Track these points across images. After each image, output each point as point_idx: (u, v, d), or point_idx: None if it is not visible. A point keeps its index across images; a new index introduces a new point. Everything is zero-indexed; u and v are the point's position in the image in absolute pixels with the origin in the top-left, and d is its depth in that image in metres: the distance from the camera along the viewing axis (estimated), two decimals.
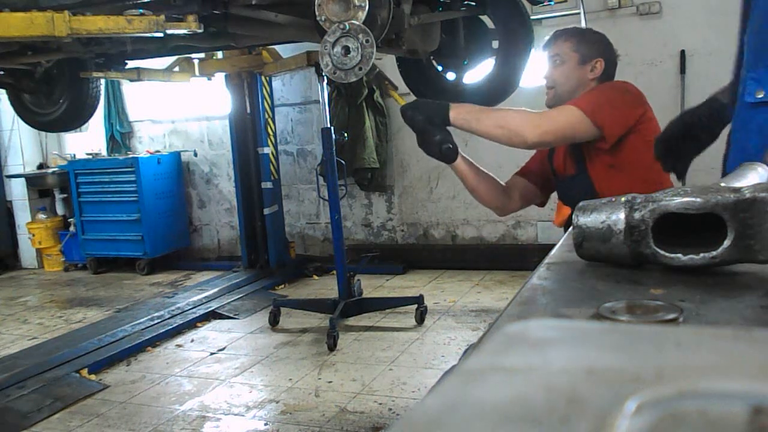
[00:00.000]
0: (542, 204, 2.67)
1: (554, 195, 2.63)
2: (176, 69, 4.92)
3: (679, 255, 0.73)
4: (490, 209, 2.58)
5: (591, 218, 0.78)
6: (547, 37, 2.51)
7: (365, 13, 2.44)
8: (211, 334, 4.74)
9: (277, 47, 5.15)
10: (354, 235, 6.51)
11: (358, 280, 4.74)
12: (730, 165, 1.66)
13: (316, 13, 2.48)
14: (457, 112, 2.20)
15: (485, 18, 3.50)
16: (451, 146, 2.20)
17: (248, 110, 6.03)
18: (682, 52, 5.19)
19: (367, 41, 2.42)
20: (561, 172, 2.44)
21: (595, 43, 2.38)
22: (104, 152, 7.38)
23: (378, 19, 2.55)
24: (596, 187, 2.26)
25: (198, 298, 5.30)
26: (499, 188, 2.52)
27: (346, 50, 2.44)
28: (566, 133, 2.19)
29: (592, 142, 2.22)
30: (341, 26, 2.42)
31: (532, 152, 2.62)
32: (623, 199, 0.77)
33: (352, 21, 2.43)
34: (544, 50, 2.45)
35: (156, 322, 4.79)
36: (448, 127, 2.22)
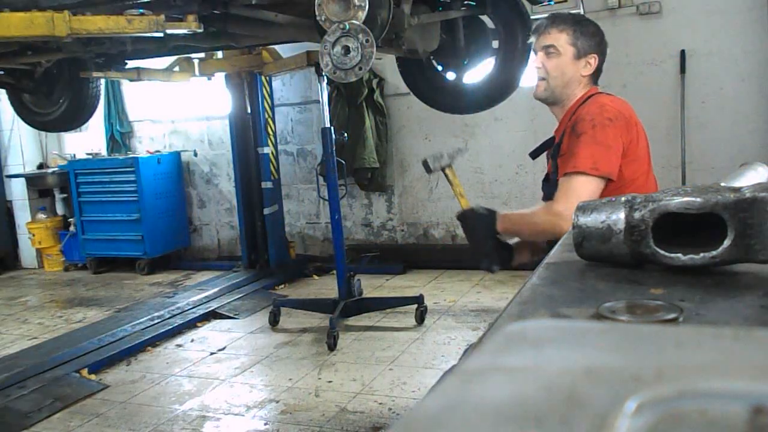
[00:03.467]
0: None
1: None
2: (176, 69, 4.92)
3: (679, 255, 0.73)
4: (558, 235, 2.50)
5: (591, 218, 0.78)
6: (540, 17, 2.41)
7: (365, 13, 2.44)
8: (211, 334, 4.74)
9: (277, 47, 5.15)
10: (354, 235, 6.51)
11: (358, 280, 4.74)
12: None
13: (316, 13, 2.48)
14: (502, 223, 2.28)
15: (485, 18, 3.50)
16: (497, 268, 2.31)
17: (248, 110, 6.03)
18: (682, 52, 5.19)
19: (367, 41, 2.42)
20: (550, 176, 2.42)
21: (592, 37, 2.31)
22: (104, 152, 7.38)
23: (378, 19, 2.55)
24: None
25: (198, 298, 5.30)
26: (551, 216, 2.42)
27: (346, 50, 2.44)
28: (589, 196, 2.12)
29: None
30: (341, 26, 2.42)
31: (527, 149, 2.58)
32: (623, 198, 0.77)
33: (352, 21, 2.43)
34: (536, 35, 2.36)
35: (156, 322, 4.78)
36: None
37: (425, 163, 2.44)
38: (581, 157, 2.17)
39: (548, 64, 2.30)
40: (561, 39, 2.28)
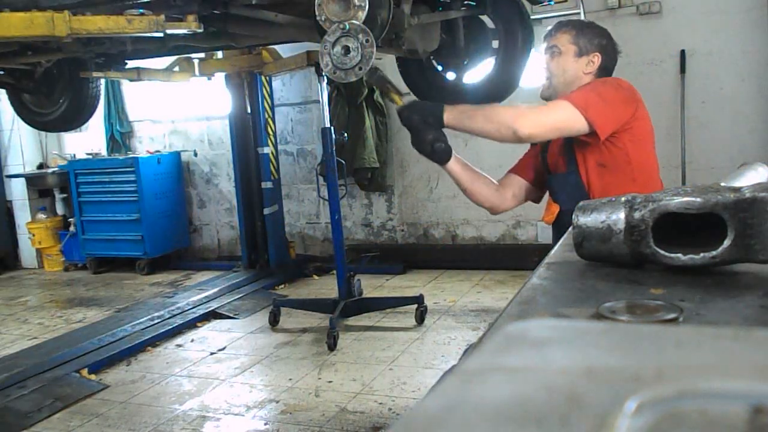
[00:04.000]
0: (538, 200, 2.65)
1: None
2: (176, 69, 4.92)
3: (679, 255, 0.73)
4: (483, 208, 2.59)
5: (591, 218, 0.78)
6: (548, 28, 2.52)
7: (365, 13, 2.44)
8: (211, 334, 4.74)
9: (277, 47, 5.14)
10: (354, 235, 6.51)
11: (358, 280, 4.74)
12: None
13: (316, 13, 2.48)
14: (450, 112, 2.22)
15: (485, 18, 3.50)
16: (443, 145, 2.24)
17: (248, 110, 6.03)
18: (682, 52, 5.19)
19: (367, 41, 2.42)
20: (553, 169, 2.44)
21: (594, 37, 2.36)
22: (104, 152, 7.38)
23: (378, 19, 2.55)
24: (586, 185, 2.27)
25: (198, 298, 5.30)
26: (492, 187, 2.52)
27: (346, 50, 2.44)
28: (558, 127, 2.18)
29: (584, 139, 2.22)
30: (341, 26, 2.42)
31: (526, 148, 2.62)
32: (623, 198, 0.77)
33: (352, 21, 2.43)
34: (544, 41, 2.44)
35: (156, 322, 4.78)
36: (445, 130, 2.24)
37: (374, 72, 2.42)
38: (576, 94, 2.20)
39: (551, 64, 2.37)
40: (563, 39, 2.36)
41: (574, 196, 2.03)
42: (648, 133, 2.31)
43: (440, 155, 2.26)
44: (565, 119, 2.15)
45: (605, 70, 2.39)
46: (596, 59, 2.34)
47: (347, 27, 2.42)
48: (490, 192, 2.50)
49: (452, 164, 2.35)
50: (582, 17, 5.07)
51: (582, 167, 2.29)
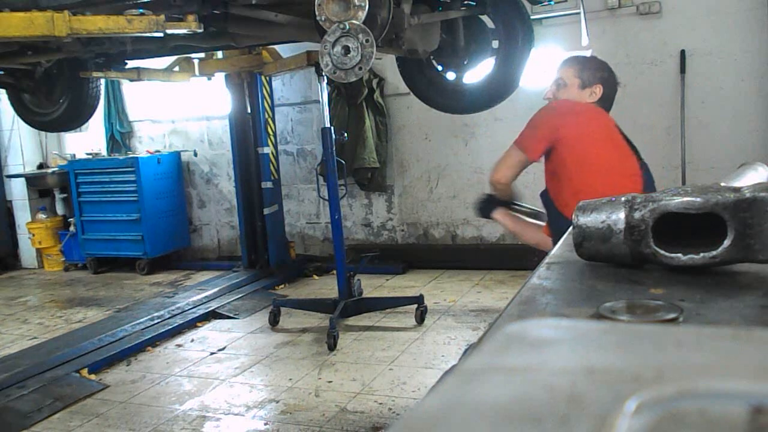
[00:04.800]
0: None
1: None
2: (176, 69, 4.92)
3: (679, 255, 0.73)
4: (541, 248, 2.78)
5: (591, 218, 0.78)
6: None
7: (365, 12, 2.44)
8: (211, 334, 4.74)
9: (277, 47, 5.15)
10: (354, 235, 6.51)
11: (358, 279, 4.74)
12: None
13: (316, 13, 2.48)
14: (502, 216, 2.82)
15: (485, 18, 3.50)
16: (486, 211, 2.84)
17: (248, 110, 6.03)
18: (682, 52, 5.19)
19: (367, 41, 2.42)
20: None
21: (596, 71, 2.66)
22: (104, 152, 7.38)
23: (378, 19, 2.55)
24: (549, 193, 2.63)
25: (198, 298, 5.30)
26: (536, 226, 2.80)
27: (346, 50, 2.44)
28: (511, 165, 2.65)
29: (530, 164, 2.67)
30: (341, 26, 2.42)
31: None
32: (623, 198, 0.77)
33: (352, 21, 2.43)
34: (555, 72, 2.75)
35: (156, 322, 4.78)
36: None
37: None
38: (519, 136, 2.64)
39: (558, 94, 2.69)
40: (568, 73, 2.68)
41: (546, 202, 2.63)
42: (582, 137, 2.57)
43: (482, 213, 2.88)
44: (512, 158, 2.63)
45: (608, 98, 2.69)
46: (598, 90, 2.65)
47: (347, 27, 2.42)
48: (537, 233, 2.77)
49: (498, 216, 2.80)
50: (582, 17, 5.07)
51: (546, 180, 2.66)
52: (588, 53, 3.95)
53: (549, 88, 2.73)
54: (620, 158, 2.60)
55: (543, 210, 2.73)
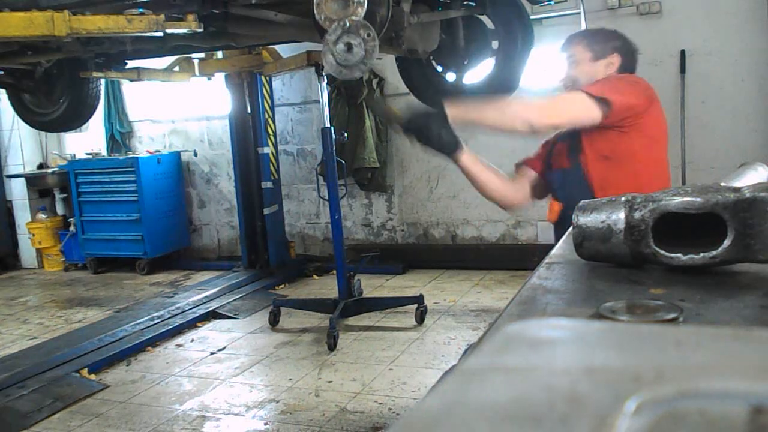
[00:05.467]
0: (542, 196, 2.58)
1: None
2: (176, 69, 4.92)
3: (679, 255, 0.73)
4: (498, 205, 2.53)
5: (591, 218, 0.78)
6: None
7: (364, 8, 2.43)
8: (211, 333, 4.74)
9: (277, 47, 5.15)
10: (354, 235, 6.51)
11: (358, 279, 4.73)
12: None
13: (315, 13, 2.48)
14: (454, 106, 2.22)
15: (485, 18, 3.50)
16: (451, 134, 2.19)
17: (248, 110, 6.03)
18: (682, 52, 5.19)
19: (368, 35, 2.41)
20: (555, 165, 2.42)
21: (608, 41, 2.39)
22: (104, 152, 7.38)
23: (377, 17, 2.55)
24: (589, 178, 2.24)
25: (198, 298, 5.30)
26: (506, 180, 2.47)
27: (349, 47, 2.43)
28: (573, 117, 2.19)
29: (592, 130, 2.21)
30: (341, 23, 2.42)
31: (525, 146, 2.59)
32: (623, 198, 0.77)
33: (352, 17, 2.42)
34: (561, 51, 2.46)
35: (156, 321, 4.78)
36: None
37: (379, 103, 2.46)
38: (591, 85, 2.21)
39: (571, 72, 2.38)
40: (578, 48, 2.39)
41: (576, 191, 2.04)
42: (659, 134, 2.31)
43: (450, 145, 2.22)
44: (580, 110, 2.15)
45: (628, 68, 2.40)
46: (615, 60, 2.36)
47: (347, 24, 2.41)
48: (504, 185, 2.43)
49: (463, 156, 2.30)
50: (582, 17, 5.08)
51: (586, 160, 2.26)
52: None
53: (563, 78, 2.42)
54: (667, 165, 2.34)
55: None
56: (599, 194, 1.94)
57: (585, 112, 2.14)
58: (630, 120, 2.19)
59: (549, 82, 5.24)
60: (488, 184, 2.39)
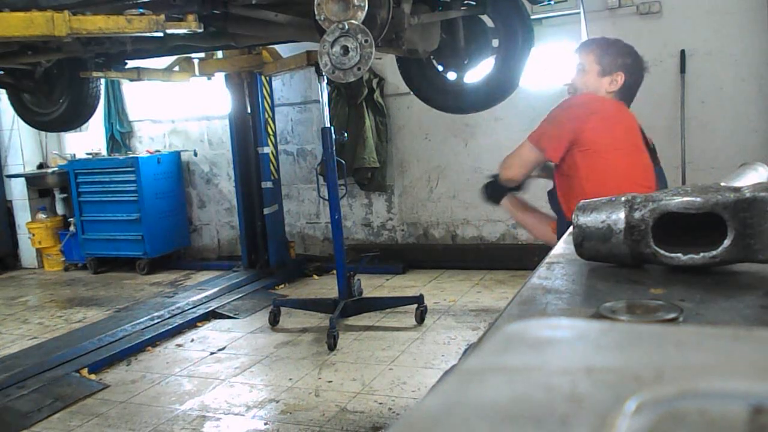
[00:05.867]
0: None
1: None
2: (176, 69, 4.92)
3: (679, 255, 0.73)
4: (546, 242, 2.72)
5: (591, 218, 0.78)
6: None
7: (364, 13, 2.44)
8: (211, 333, 4.74)
9: (277, 47, 5.15)
10: (354, 234, 6.51)
11: (358, 279, 4.73)
12: None
13: (316, 13, 2.48)
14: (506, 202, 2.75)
15: (485, 17, 3.50)
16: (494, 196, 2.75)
17: (248, 110, 6.03)
18: (682, 52, 5.19)
19: (366, 41, 2.42)
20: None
21: (618, 57, 2.54)
22: (104, 152, 7.38)
23: (377, 19, 2.55)
24: (558, 193, 2.55)
25: (198, 298, 5.30)
26: (544, 218, 2.73)
27: (345, 50, 2.44)
28: (524, 163, 2.56)
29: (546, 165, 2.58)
30: (340, 26, 2.42)
31: None
32: (623, 198, 0.77)
33: (351, 21, 2.42)
34: (574, 53, 2.64)
35: (156, 321, 4.78)
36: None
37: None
38: (535, 131, 2.54)
39: (576, 80, 2.57)
40: (589, 58, 2.55)
41: (554, 203, 2.55)
42: (601, 145, 2.44)
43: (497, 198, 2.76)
44: (527, 156, 2.54)
45: (629, 88, 2.57)
46: (619, 78, 2.52)
47: (346, 27, 2.41)
48: (543, 225, 2.70)
49: (508, 203, 2.72)
50: (582, 17, 5.07)
51: (556, 180, 2.58)
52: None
53: (570, 81, 2.64)
54: (637, 168, 2.48)
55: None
56: (564, 206, 2.47)
57: (531, 157, 2.53)
58: (571, 144, 2.45)
59: (549, 82, 5.25)
60: (532, 228, 2.76)
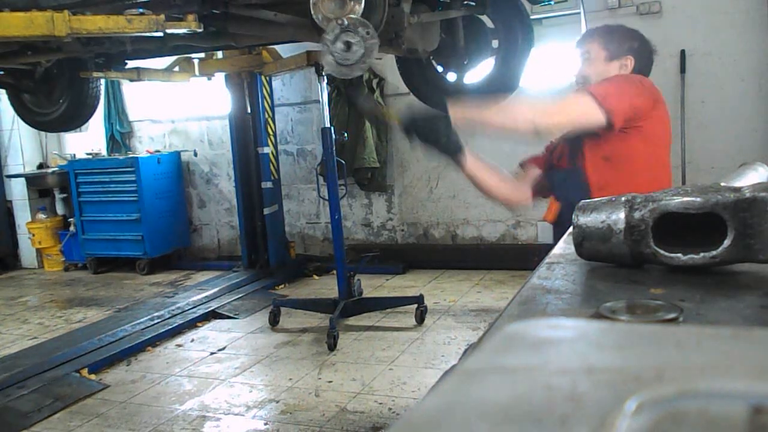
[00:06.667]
0: (546, 195, 2.59)
1: None
2: (176, 69, 4.92)
3: (679, 255, 0.73)
4: (504, 204, 2.53)
5: (591, 218, 0.78)
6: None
7: (362, 6, 2.42)
8: (211, 333, 4.74)
9: (277, 47, 5.15)
10: (354, 234, 6.51)
11: (358, 279, 4.73)
12: None
13: (312, 12, 2.47)
14: (455, 106, 2.20)
15: (485, 17, 3.50)
16: (454, 136, 2.17)
17: (248, 110, 6.03)
18: (682, 52, 5.19)
19: (368, 33, 2.40)
20: (556, 164, 2.40)
21: (625, 41, 2.36)
22: (104, 152, 7.38)
23: (376, 11, 2.54)
24: (588, 179, 2.22)
25: (198, 298, 5.30)
26: (509, 181, 2.46)
27: (348, 45, 2.42)
28: (577, 119, 2.16)
29: (597, 131, 2.18)
30: (339, 22, 2.41)
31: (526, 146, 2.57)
32: (623, 198, 0.77)
33: (350, 15, 2.41)
34: (576, 47, 2.43)
35: (156, 321, 4.78)
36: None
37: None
38: (595, 86, 2.19)
39: (584, 69, 2.36)
40: (594, 45, 2.35)
41: (574, 192, 2.04)
42: (661, 135, 2.29)
43: (452, 147, 2.20)
44: (584, 112, 2.12)
45: (642, 72, 2.37)
46: (629, 62, 2.33)
47: (346, 22, 2.40)
48: (506, 185, 2.42)
49: (466, 157, 2.27)
50: (582, 17, 5.07)
51: (585, 160, 2.24)
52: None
53: (576, 90, 2.37)
54: (669, 168, 2.34)
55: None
56: (596, 195, 1.95)
57: (589, 115, 2.12)
58: (632, 122, 2.16)
59: (549, 81, 5.25)
60: (491, 184, 2.37)
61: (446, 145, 2.17)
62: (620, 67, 2.32)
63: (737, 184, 0.88)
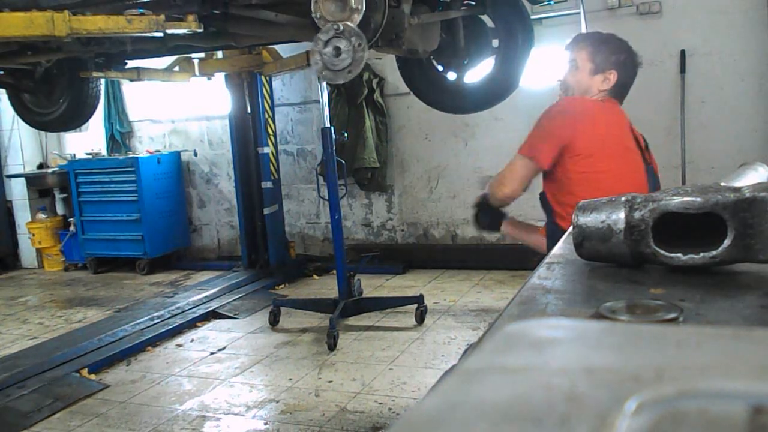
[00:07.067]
0: None
1: None
2: (176, 69, 4.92)
3: (679, 255, 0.73)
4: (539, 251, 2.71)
5: (591, 218, 0.78)
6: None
7: (361, 15, 2.43)
8: (211, 333, 4.74)
9: (277, 47, 5.15)
10: (354, 234, 6.51)
11: (358, 279, 4.73)
12: None
13: (312, 10, 2.47)
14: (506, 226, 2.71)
15: (485, 17, 3.50)
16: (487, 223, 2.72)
17: (248, 110, 6.03)
18: (682, 52, 5.19)
19: (359, 45, 2.41)
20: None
21: (612, 54, 2.46)
22: (104, 152, 7.38)
23: (372, 23, 2.55)
24: (550, 201, 2.52)
25: (198, 298, 5.30)
26: (535, 228, 2.70)
27: (337, 51, 2.43)
28: (520, 177, 2.49)
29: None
30: (335, 26, 2.42)
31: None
32: (623, 198, 0.77)
33: (347, 23, 2.42)
34: (565, 50, 2.56)
35: (156, 321, 4.78)
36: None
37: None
38: (524, 143, 2.49)
39: (568, 77, 2.50)
40: (581, 54, 2.47)
41: (548, 214, 2.51)
42: (592, 148, 2.40)
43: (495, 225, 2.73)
44: (520, 169, 2.47)
45: (622, 86, 2.50)
46: (612, 77, 2.45)
47: (341, 28, 2.41)
48: (535, 235, 2.68)
49: (507, 228, 2.70)
50: (582, 17, 5.07)
51: (545, 189, 2.54)
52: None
53: (560, 95, 2.58)
54: (629, 171, 2.44)
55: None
56: (558, 209, 2.42)
57: (526, 170, 2.47)
58: (561, 152, 2.40)
59: (549, 81, 5.25)
60: (525, 239, 2.70)
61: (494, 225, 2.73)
62: (603, 80, 2.46)
63: (737, 184, 0.88)
